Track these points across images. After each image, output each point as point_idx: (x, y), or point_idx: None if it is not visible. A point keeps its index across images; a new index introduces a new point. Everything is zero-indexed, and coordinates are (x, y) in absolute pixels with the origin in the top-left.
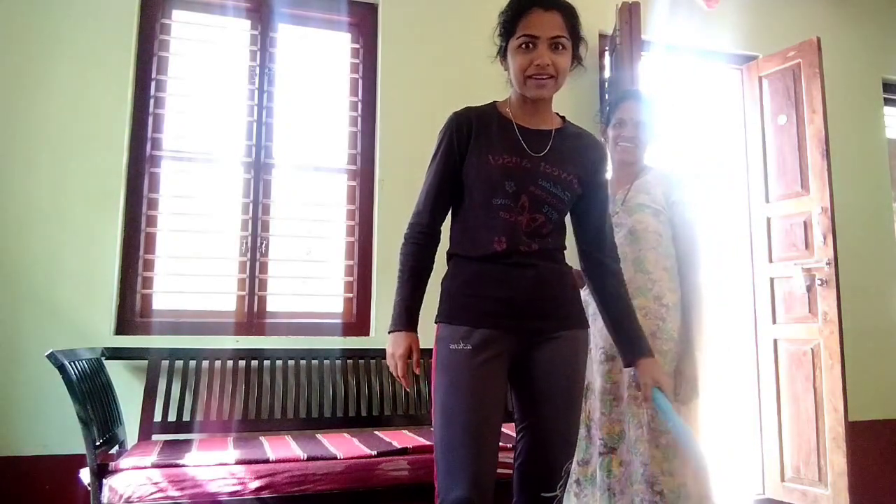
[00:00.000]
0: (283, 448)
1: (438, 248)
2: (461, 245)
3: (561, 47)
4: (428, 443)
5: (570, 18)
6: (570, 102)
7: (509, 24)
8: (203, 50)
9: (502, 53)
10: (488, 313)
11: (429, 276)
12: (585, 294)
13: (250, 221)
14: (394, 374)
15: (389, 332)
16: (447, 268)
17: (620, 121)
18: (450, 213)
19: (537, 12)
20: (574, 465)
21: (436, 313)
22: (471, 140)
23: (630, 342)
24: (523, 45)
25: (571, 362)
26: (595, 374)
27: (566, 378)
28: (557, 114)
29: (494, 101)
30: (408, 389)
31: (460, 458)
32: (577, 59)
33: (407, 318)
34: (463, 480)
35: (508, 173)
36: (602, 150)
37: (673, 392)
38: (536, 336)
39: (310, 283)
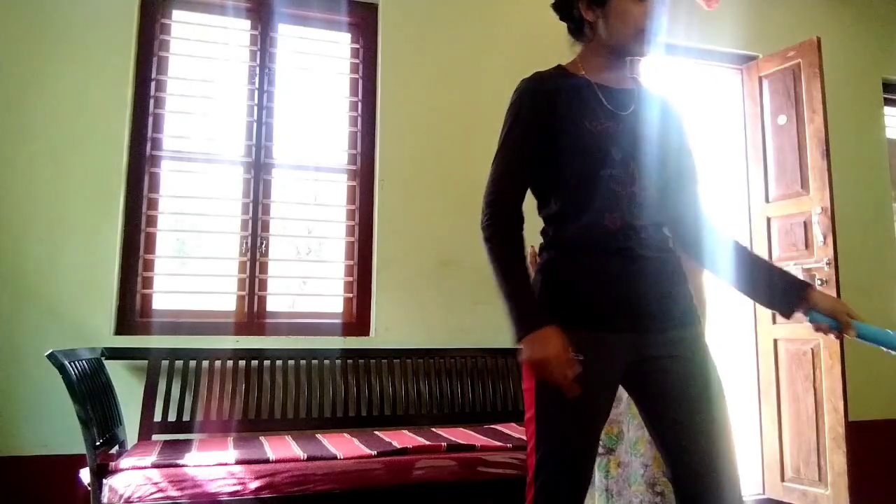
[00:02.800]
0: (283, 448)
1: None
2: (562, 230)
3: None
4: (427, 442)
5: None
6: None
7: None
8: (203, 50)
9: (598, 2)
10: (604, 315)
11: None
12: None
13: (250, 221)
14: (560, 382)
15: (522, 338)
16: (542, 258)
17: None
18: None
19: None
20: None
21: None
22: (556, 107)
23: (790, 281)
24: None
25: (710, 366)
26: None
27: (715, 390)
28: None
29: (560, 65)
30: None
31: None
32: None
33: (537, 311)
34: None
35: (613, 139)
36: (683, 110)
37: None
38: (664, 341)
39: (310, 283)
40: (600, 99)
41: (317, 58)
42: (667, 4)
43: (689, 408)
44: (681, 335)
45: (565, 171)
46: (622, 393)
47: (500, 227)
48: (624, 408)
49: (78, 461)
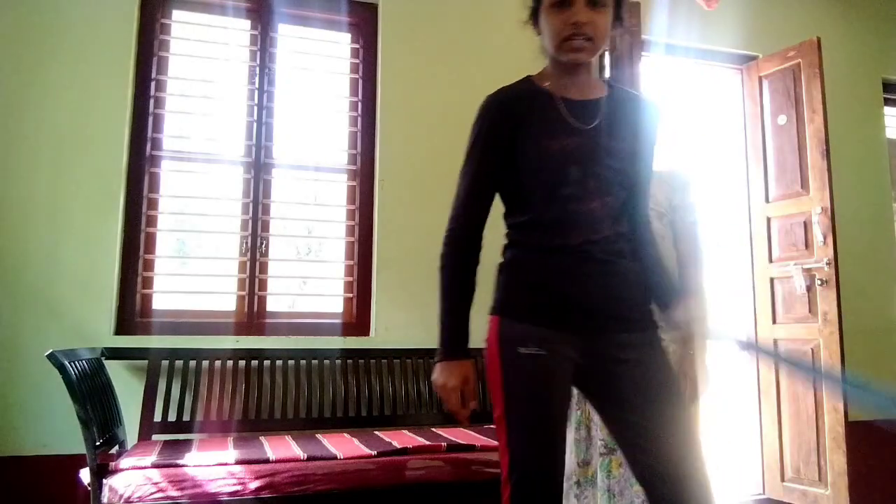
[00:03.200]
0: (283, 448)
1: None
2: (525, 235)
3: (600, 4)
4: (427, 442)
5: None
6: None
7: None
8: (203, 50)
9: (534, 17)
10: (553, 313)
11: (474, 289)
12: None
13: (250, 221)
14: (448, 408)
15: (438, 362)
16: (505, 255)
17: None
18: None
19: None
20: (574, 466)
21: (492, 304)
22: (517, 125)
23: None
24: (557, 3)
25: (664, 370)
26: None
27: (670, 393)
28: (602, 79)
29: (528, 77)
30: (463, 422)
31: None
32: (619, 20)
33: (458, 343)
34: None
35: (571, 157)
36: (657, 111)
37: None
38: (618, 343)
39: (310, 283)
40: (563, 114)
41: (317, 58)
42: (593, 10)
43: (644, 410)
44: (632, 339)
45: (526, 189)
46: None
47: (453, 253)
48: None
49: (78, 461)
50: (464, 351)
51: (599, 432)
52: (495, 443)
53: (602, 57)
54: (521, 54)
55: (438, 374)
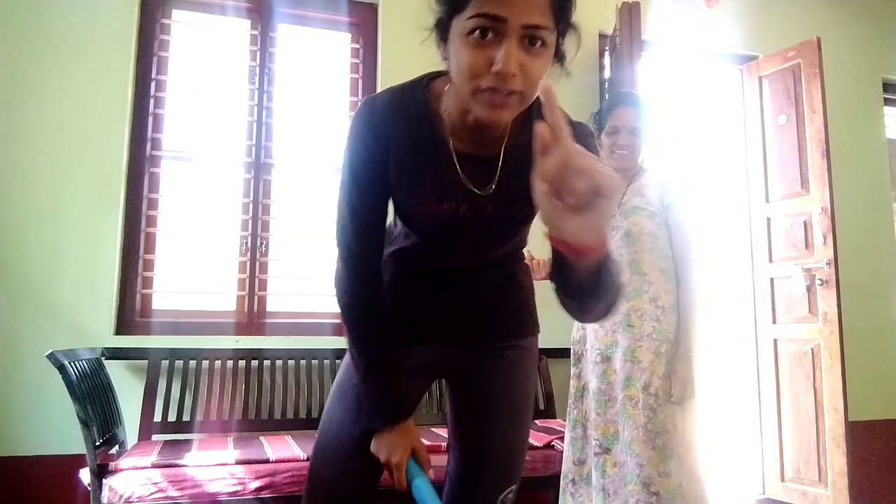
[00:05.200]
0: (283, 448)
1: None
2: (395, 247)
3: (540, 43)
4: (427, 442)
5: None
6: (569, 104)
7: None
8: (203, 50)
9: (440, 31)
10: (412, 325)
11: (391, 336)
12: None
13: (250, 221)
14: (398, 486)
15: (376, 434)
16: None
17: (614, 128)
18: None
19: None
20: (570, 464)
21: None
22: (389, 161)
23: None
24: (478, 32)
25: (515, 376)
26: (590, 374)
27: (507, 395)
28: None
29: (429, 88)
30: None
31: None
32: (559, 59)
33: (392, 408)
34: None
35: (442, 226)
36: (591, 136)
37: (667, 393)
38: (475, 350)
39: (310, 283)
40: (455, 171)
41: (317, 58)
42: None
43: (483, 410)
44: (486, 352)
45: (398, 218)
46: (617, 394)
47: (353, 316)
48: (619, 408)
49: (78, 461)
50: (399, 415)
51: (595, 431)
52: None
53: (602, 58)
54: None
55: (378, 448)
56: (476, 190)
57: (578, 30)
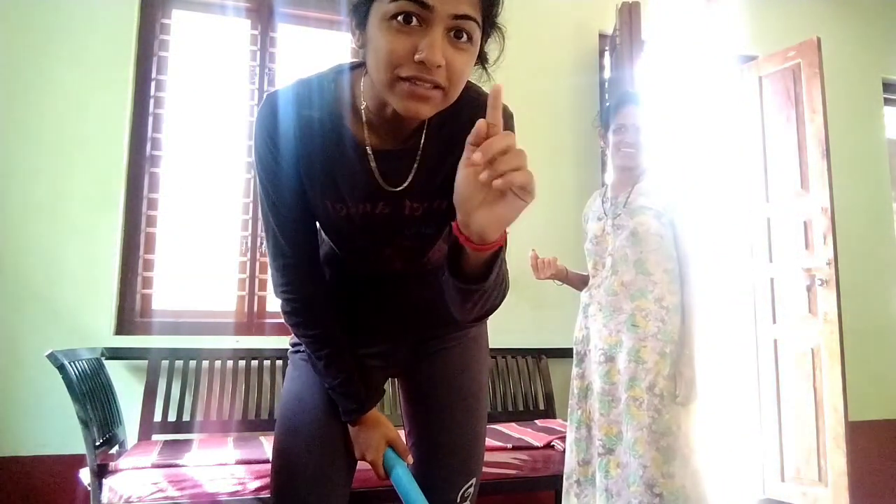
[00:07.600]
0: None
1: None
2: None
3: (465, 37)
4: None
5: None
6: (569, 103)
7: None
8: (203, 50)
9: (357, 16)
10: (356, 328)
11: (340, 319)
12: (584, 294)
13: (250, 221)
14: (377, 476)
15: (350, 431)
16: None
17: (621, 126)
18: None
19: None
20: (574, 465)
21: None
22: (299, 160)
23: None
24: (401, 17)
25: (459, 368)
26: (594, 374)
27: (454, 387)
28: None
29: (339, 78)
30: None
31: None
32: (482, 60)
33: (361, 402)
34: None
35: (358, 229)
36: (510, 117)
37: (672, 394)
38: (416, 346)
39: None
40: (369, 170)
41: (316, 58)
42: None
43: (425, 410)
44: (427, 348)
45: (315, 217)
46: (620, 394)
47: (303, 325)
48: (623, 409)
49: (78, 461)
50: (366, 406)
51: (599, 432)
52: (497, 443)
53: (602, 58)
54: (520, 54)
55: (355, 446)
56: (392, 188)
57: (503, 32)
